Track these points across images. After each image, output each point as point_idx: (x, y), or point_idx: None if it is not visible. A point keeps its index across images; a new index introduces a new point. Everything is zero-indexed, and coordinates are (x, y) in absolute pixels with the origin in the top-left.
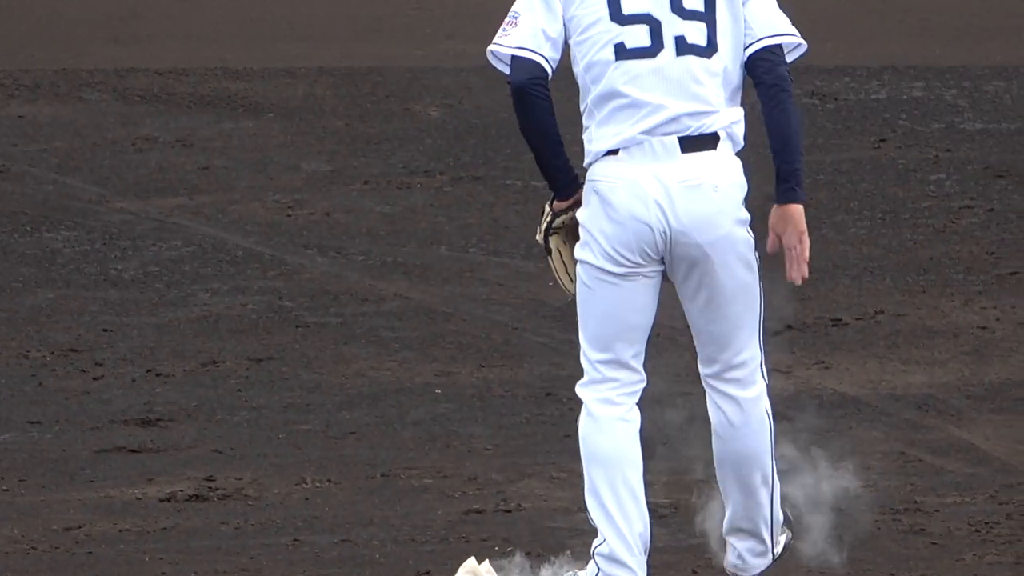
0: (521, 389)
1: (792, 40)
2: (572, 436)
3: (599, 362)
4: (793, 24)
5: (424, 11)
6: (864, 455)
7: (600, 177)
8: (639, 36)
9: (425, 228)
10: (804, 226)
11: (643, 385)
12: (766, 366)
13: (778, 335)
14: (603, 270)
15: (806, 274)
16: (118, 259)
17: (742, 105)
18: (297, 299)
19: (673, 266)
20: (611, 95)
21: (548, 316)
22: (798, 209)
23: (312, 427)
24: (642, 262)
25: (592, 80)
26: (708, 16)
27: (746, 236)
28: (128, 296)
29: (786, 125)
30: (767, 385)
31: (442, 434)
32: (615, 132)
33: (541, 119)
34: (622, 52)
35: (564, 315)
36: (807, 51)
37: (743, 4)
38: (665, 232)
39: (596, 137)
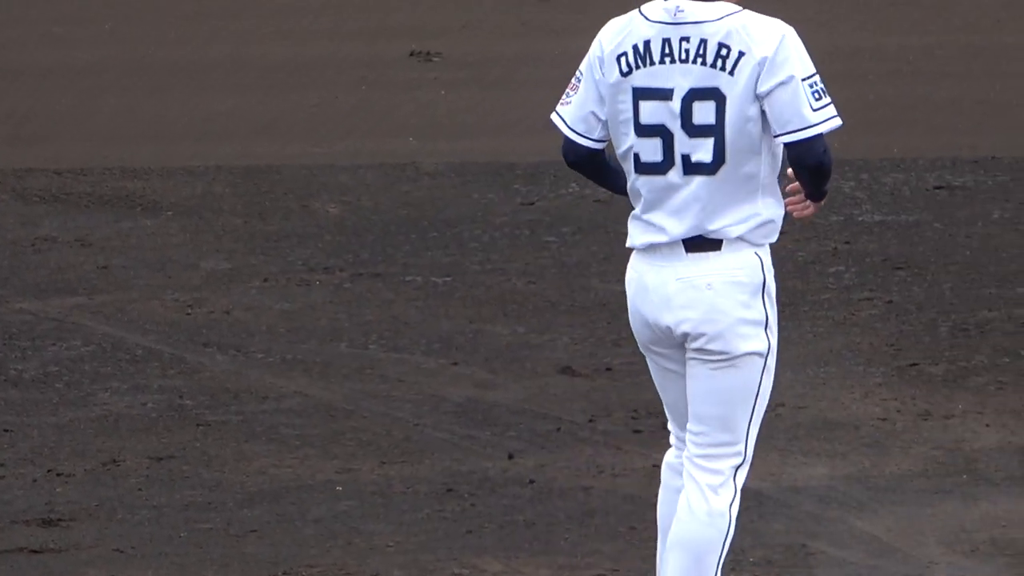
0: (422, 485)
1: (803, 135)
2: (474, 532)
3: (668, 427)
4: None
5: (321, 109)
6: (766, 548)
7: (629, 266)
8: (652, 150)
9: (325, 325)
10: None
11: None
12: (747, 466)
13: None
14: (639, 343)
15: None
16: (18, 359)
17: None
18: (197, 397)
19: (684, 349)
20: (635, 197)
21: (449, 412)
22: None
23: (213, 525)
24: (660, 349)
25: (625, 172)
26: (717, 129)
27: (746, 333)
28: (28, 396)
29: (821, 189)
30: (739, 486)
31: (343, 531)
32: (635, 233)
33: (599, 182)
34: (638, 165)
35: (465, 411)
36: (838, 126)
37: (766, 97)
38: (665, 326)
39: (629, 226)
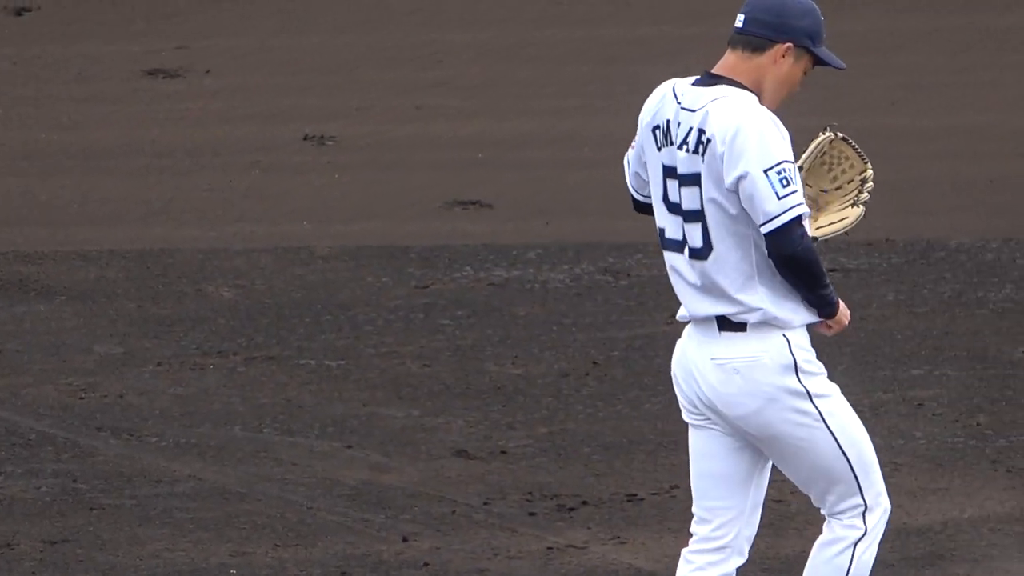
0: (316, 568)
1: (769, 227)
2: None
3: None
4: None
5: (214, 192)
6: None
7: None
8: (674, 228)
9: (219, 409)
10: (845, 317)
11: (723, 557)
12: (877, 511)
13: (573, 511)
14: (682, 411)
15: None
16: None
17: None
18: (91, 481)
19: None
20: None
21: (343, 495)
22: (836, 316)
23: None
24: (701, 415)
25: None
26: (702, 215)
27: (783, 409)
28: None
29: (805, 284)
30: (871, 526)
31: None
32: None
33: None
34: (663, 240)
35: (359, 494)
36: (803, 215)
37: (733, 190)
38: (702, 400)
39: None
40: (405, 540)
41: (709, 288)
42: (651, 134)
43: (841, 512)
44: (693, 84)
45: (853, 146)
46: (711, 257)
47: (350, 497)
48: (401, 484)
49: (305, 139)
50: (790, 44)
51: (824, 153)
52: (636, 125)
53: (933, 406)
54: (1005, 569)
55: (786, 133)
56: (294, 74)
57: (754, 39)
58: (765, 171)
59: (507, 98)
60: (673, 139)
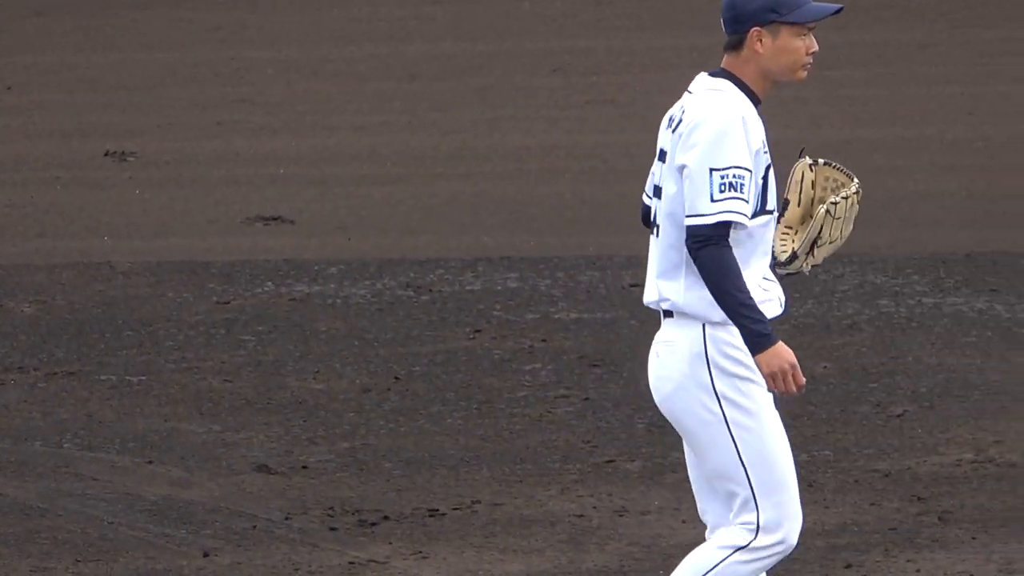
0: None
1: (690, 221)
2: None
3: None
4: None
5: (15, 208)
6: None
7: None
8: (653, 210)
9: (19, 424)
10: (777, 364)
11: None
12: (766, 532)
13: (374, 526)
14: None
15: (793, 390)
16: None
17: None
18: None
19: None
20: None
21: (144, 510)
22: (764, 356)
23: None
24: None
25: None
26: (659, 191)
27: (689, 399)
28: None
29: (710, 289)
30: (756, 548)
31: None
32: None
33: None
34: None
35: (160, 509)
36: (731, 223)
37: (680, 173)
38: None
39: None
40: (206, 555)
41: (654, 267)
42: (665, 123)
43: (736, 522)
44: (707, 74)
45: (835, 166)
46: (660, 235)
47: (151, 512)
48: (202, 499)
49: (106, 155)
50: (756, 28)
51: (813, 183)
52: (439, 140)
53: None
54: None
55: (756, 138)
56: (95, 91)
57: (730, 38)
58: (711, 170)
59: (308, 114)
60: (672, 122)
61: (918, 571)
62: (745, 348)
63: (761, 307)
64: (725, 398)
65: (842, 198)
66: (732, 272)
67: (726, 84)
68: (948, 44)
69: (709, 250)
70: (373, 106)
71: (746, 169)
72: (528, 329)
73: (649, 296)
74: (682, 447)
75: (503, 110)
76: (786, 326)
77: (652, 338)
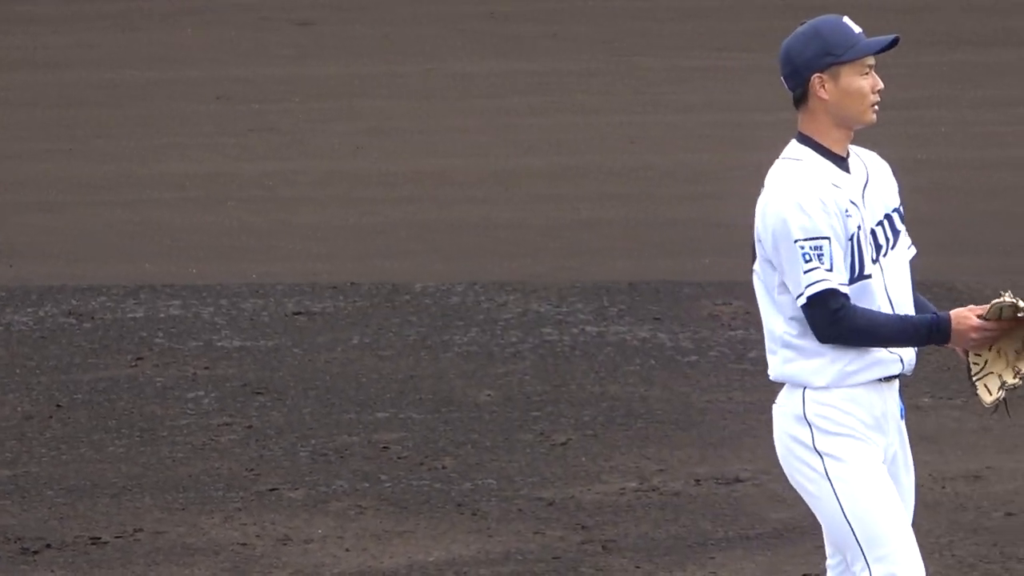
0: None
1: (801, 301)
2: None
3: None
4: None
5: None
6: None
7: None
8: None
9: None
10: (965, 340)
11: None
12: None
13: (36, 554)
14: None
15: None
16: None
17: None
18: None
19: None
20: None
21: None
22: (952, 342)
23: None
24: None
25: None
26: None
27: (795, 459)
28: None
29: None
30: None
31: None
32: None
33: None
34: None
35: None
36: (830, 291)
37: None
38: None
39: None
40: None
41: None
42: None
43: (853, 571)
44: (795, 140)
45: None
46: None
47: None
48: None
49: None
50: (817, 75)
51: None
52: (101, 167)
53: (399, 449)
54: None
55: (823, 205)
56: None
57: (794, 92)
58: (795, 243)
59: None
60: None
61: None
62: (845, 408)
63: (875, 368)
64: (826, 454)
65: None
66: (868, 327)
67: (806, 152)
68: (611, 73)
69: (828, 328)
70: (34, 133)
71: (817, 238)
72: (191, 357)
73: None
74: (347, 475)
75: (166, 138)
76: (450, 354)
77: (316, 366)
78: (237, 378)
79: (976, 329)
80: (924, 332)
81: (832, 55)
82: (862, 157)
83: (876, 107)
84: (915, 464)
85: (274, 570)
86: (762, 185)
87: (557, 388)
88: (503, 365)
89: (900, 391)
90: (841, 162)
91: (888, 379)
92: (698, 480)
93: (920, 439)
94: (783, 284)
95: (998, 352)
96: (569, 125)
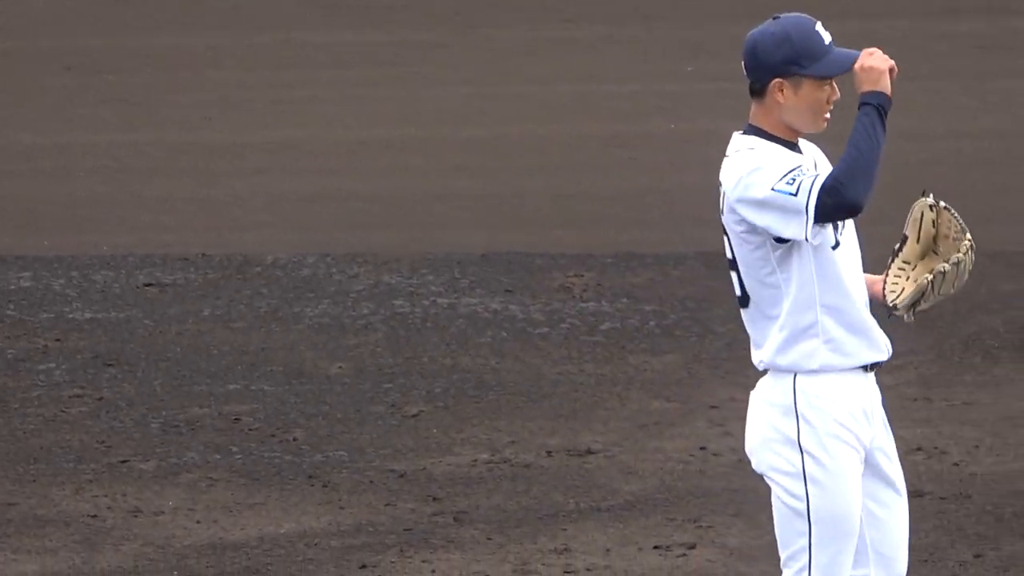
0: None
1: (812, 219)
2: None
3: None
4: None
5: None
6: None
7: None
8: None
9: None
10: (876, 69)
11: None
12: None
13: None
14: None
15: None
16: None
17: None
18: None
19: None
20: None
21: None
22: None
23: None
24: None
25: None
26: (735, 264)
27: (775, 456)
28: None
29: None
30: None
31: None
32: None
33: None
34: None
35: None
36: (821, 186)
37: (753, 229)
38: None
39: None
40: None
41: (751, 336)
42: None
43: (787, 570)
44: (739, 134)
45: (953, 213)
46: (751, 304)
47: None
48: None
49: None
50: (778, 79)
51: (934, 222)
52: None
53: (250, 421)
54: None
55: (784, 156)
56: None
57: (752, 85)
58: (773, 189)
59: None
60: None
61: (433, 571)
62: (835, 398)
63: (871, 349)
64: (808, 453)
65: (961, 255)
66: (855, 163)
67: (757, 141)
68: (462, 45)
69: (837, 197)
70: None
71: (793, 168)
72: (42, 329)
73: (753, 359)
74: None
75: (15, 109)
76: (301, 326)
77: (167, 338)
78: (88, 350)
79: (871, 58)
80: (871, 113)
81: (798, 65)
82: (806, 146)
83: (828, 116)
84: None
85: (125, 542)
86: (718, 183)
87: (409, 360)
88: (355, 337)
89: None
90: (792, 146)
91: (872, 368)
92: (550, 452)
93: None
94: (771, 265)
95: (911, 267)
96: (421, 96)
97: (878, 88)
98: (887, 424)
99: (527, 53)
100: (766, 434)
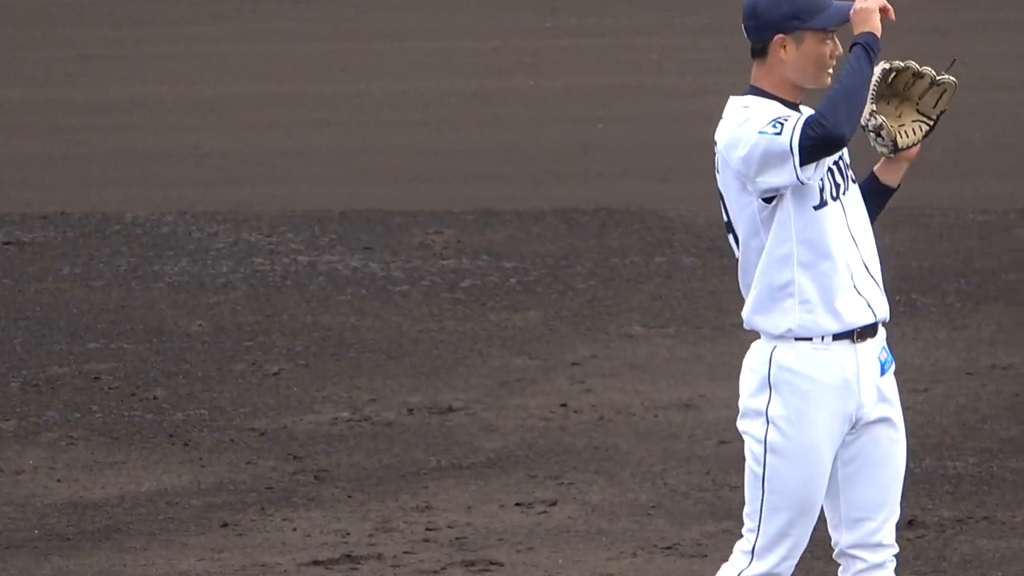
0: None
1: (798, 157)
2: None
3: None
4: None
5: None
6: None
7: None
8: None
9: None
10: (869, 12)
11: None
12: (759, 558)
13: None
14: None
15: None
16: None
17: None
18: None
19: None
20: None
21: None
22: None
23: None
24: None
25: None
26: (731, 226)
27: (746, 420)
28: None
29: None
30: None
31: None
32: None
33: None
34: None
35: None
36: (806, 121)
37: (744, 185)
38: None
39: None
40: None
41: (745, 296)
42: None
43: (742, 537)
44: (735, 96)
45: (911, 67)
46: (745, 262)
47: None
48: None
49: None
50: (779, 35)
51: (889, 83)
52: None
53: (110, 380)
54: (183, 543)
55: (782, 113)
56: None
57: (754, 46)
58: (759, 132)
59: None
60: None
61: (295, 530)
62: (810, 372)
63: (853, 313)
64: (773, 422)
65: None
66: (839, 96)
67: (752, 100)
68: (322, 0)
69: (823, 133)
70: None
71: (780, 117)
72: None
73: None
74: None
75: None
76: (161, 284)
77: (27, 296)
78: None
79: (863, 1)
80: (858, 51)
81: (799, 20)
82: (807, 112)
83: (831, 71)
84: (630, 394)
85: None
86: (713, 142)
87: (269, 318)
88: (215, 295)
89: (888, 344)
90: (793, 107)
91: (862, 337)
92: (411, 410)
93: (632, 368)
94: (755, 225)
95: (899, 113)
96: (279, 53)
97: (867, 27)
98: (890, 393)
99: (387, 7)
100: (744, 399)
